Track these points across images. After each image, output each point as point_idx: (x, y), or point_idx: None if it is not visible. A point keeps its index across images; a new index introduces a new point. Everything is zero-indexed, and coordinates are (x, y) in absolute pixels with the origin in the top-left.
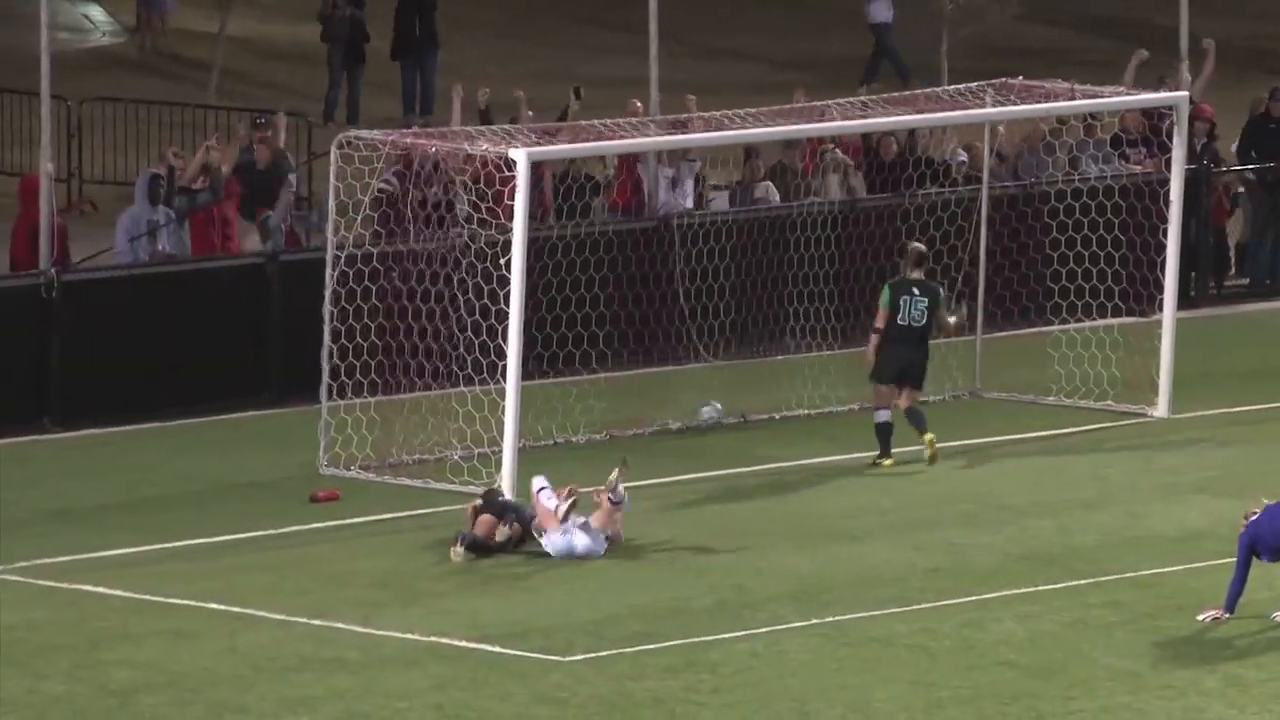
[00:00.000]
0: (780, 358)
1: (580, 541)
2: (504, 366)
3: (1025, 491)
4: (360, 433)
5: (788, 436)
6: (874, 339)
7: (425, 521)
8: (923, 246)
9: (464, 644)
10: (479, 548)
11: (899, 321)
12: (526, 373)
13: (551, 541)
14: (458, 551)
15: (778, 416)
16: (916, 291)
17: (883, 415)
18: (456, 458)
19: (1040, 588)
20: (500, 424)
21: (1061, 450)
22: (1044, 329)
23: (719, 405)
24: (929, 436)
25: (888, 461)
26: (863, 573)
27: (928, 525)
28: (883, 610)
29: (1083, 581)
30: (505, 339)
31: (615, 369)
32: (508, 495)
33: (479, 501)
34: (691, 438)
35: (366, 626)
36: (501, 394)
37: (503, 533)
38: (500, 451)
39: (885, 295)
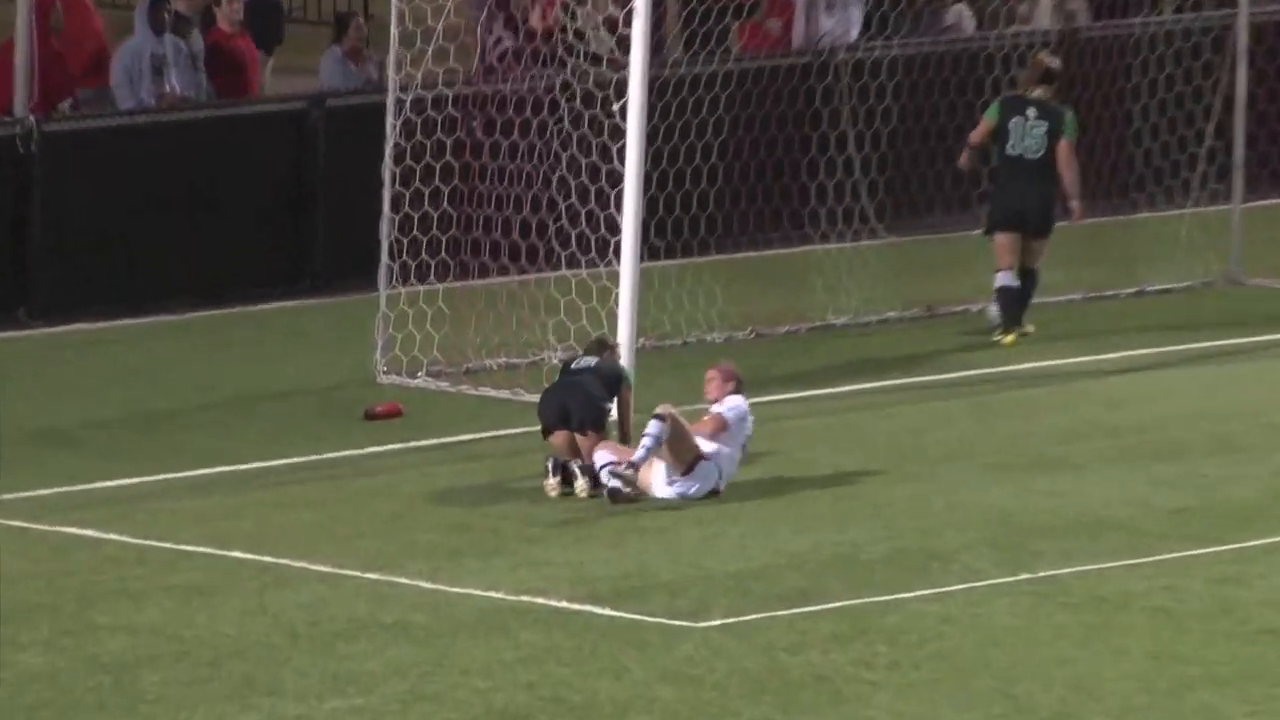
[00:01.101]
0: (976, 232)
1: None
2: (617, 243)
3: None
4: (428, 329)
5: (977, 337)
6: (964, 153)
7: (513, 445)
8: (1055, 61)
9: (564, 605)
10: (592, 477)
11: (1008, 151)
12: (646, 251)
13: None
14: (553, 484)
15: (974, 309)
16: (1033, 114)
17: (1003, 278)
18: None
19: None
20: (612, 317)
21: None
22: None
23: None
24: (1009, 338)
25: (1009, 338)
26: (1084, 513)
27: (1170, 451)
28: (1112, 562)
29: None
30: (619, 208)
31: (760, 247)
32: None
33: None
34: (857, 336)
35: (436, 582)
36: (613, 279)
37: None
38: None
39: (993, 109)
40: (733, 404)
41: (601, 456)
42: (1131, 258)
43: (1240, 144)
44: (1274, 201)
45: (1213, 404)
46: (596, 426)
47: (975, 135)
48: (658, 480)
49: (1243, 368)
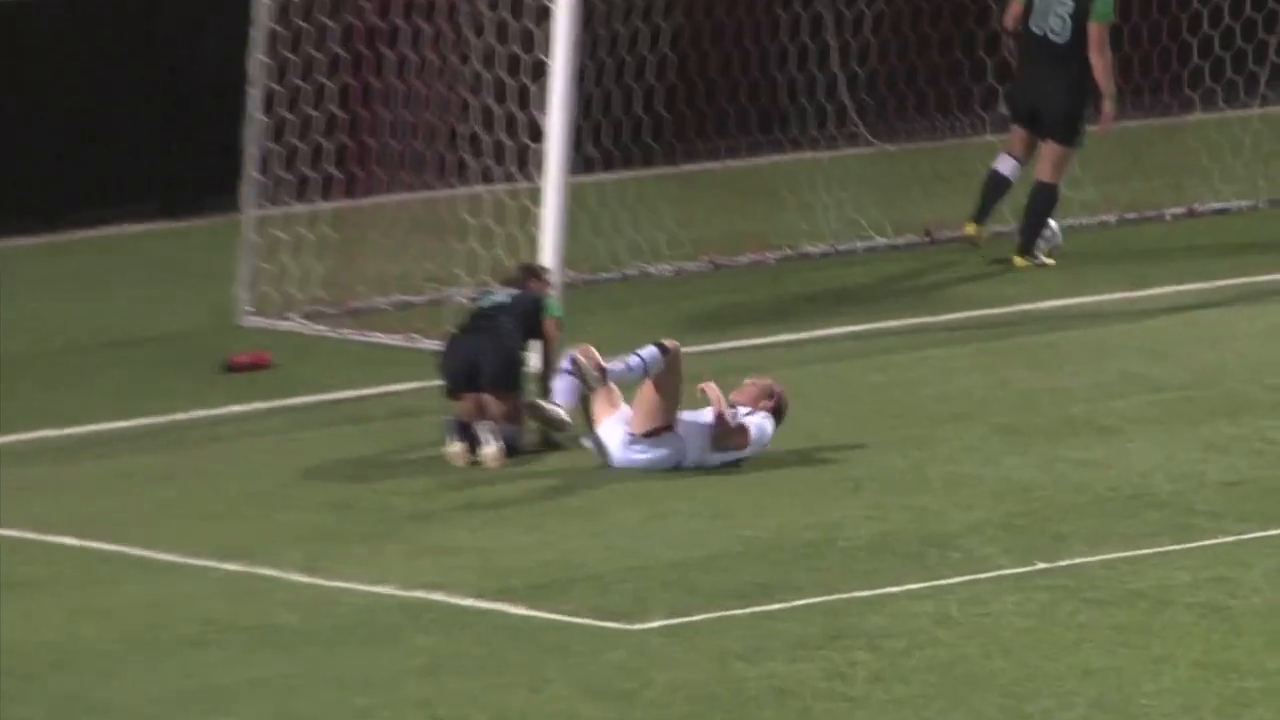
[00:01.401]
0: (990, 136)
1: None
2: (541, 152)
3: None
4: (306, 260)
5: (985, 266)
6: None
7: (408, 403)
8: None
9: (469, 603)
10: (506, 443)
11: (1031, 27)
12: (578, 164)
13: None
14: (456, 452)
15: (986, 234)
16: None
17: (1002, 165)
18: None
19: None
20: (534, 244)
21: None
22: None
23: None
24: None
25: (970, 228)
26: (1119, 487)
27: (1224, 410)
28: (1152, 548)
29: None
30: (544, 108)
31: (719, 157)
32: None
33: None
34: (838, 267)
35: (311, 575)
36: (536, 197)
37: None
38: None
39: None
40: (761, 425)
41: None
42: (1180, 170)
43: None
44: None
45: (1277, 352)
46: (509, 385)
47: (1008, 18)
48: (613, 436)
49: None
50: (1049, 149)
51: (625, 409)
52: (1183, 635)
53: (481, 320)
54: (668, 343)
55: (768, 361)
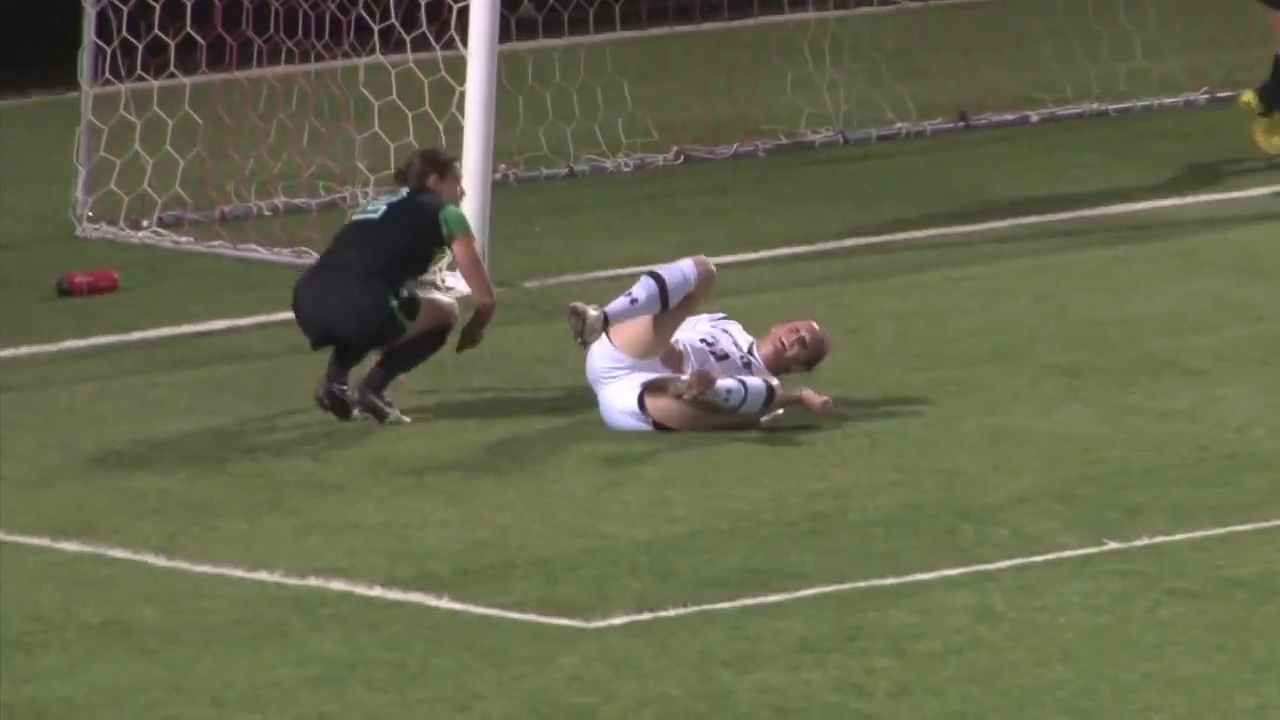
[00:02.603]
0: None
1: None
2: (464, 11)
3: None
4: (164, 150)
5: (1037, 159)
6: None
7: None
8: None
9: (378, 593)
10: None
11: None
12: (510, 26)
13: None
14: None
15: (1035, 117)
16: None
17: None
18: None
19: None
20: (456, 130)
21: None
22: None
23: None
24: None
25: (1262, 131)
26: (1209, 445)
27: None
28: (1253, 524)
29: None
30: None
31: (692, 19)
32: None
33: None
34: (847, 161)
35: (173, 558)
36: (457, 70)
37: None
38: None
39: None
40: (733, 388)
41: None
42: None
43: None
44: None
45: None
46: (380, 343)
47: None
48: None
49: None
50: None
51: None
52: None
53: (339, 253)
54: (698, 261)
55: (755, 283)
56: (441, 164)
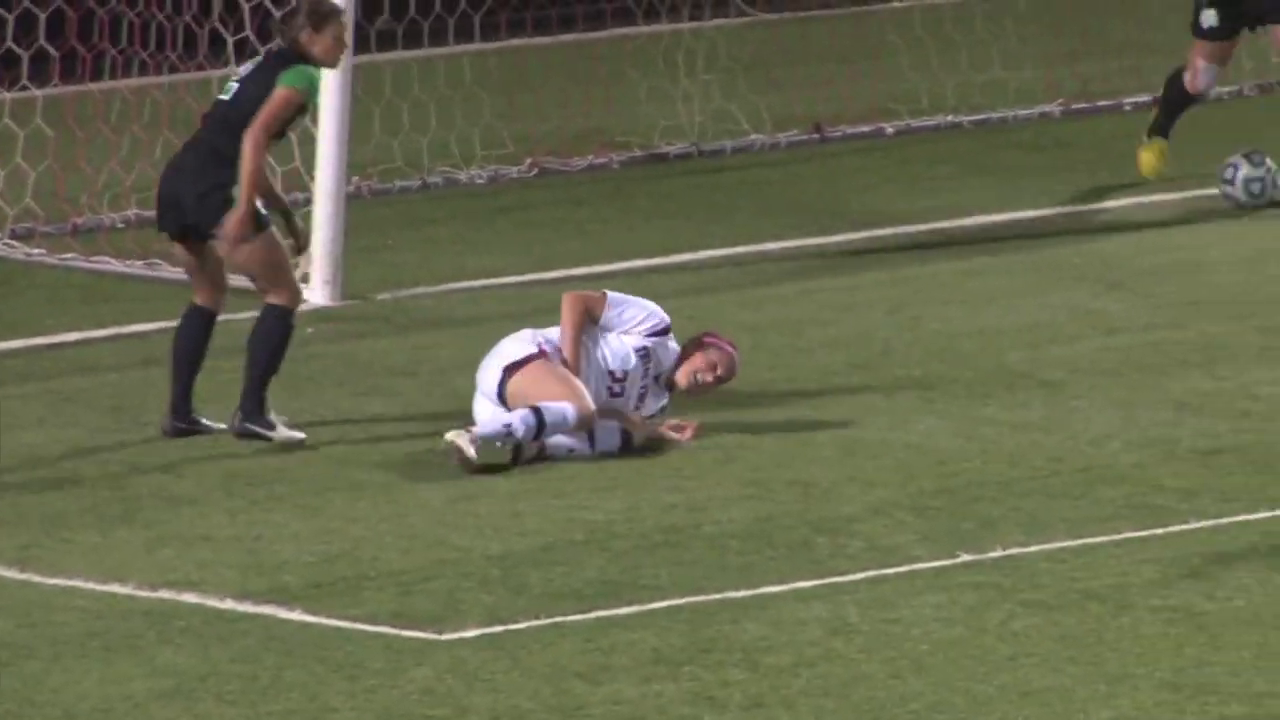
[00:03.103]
0: (896, 2)
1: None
2: None
3: None
4: (12, 165)
5: (893, 171)
6: None
7: (153, 349)
8: None
9: (230, 605)
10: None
11: None
12: (368, 39)
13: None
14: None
15: (890, 129)
16: None
17: (1201, 77)
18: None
19: None
20: (310, 143)
21: None
22: None
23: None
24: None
25: (1149, 153)
26: (1064, 458)
27: (1199, 358)
28: (1108, 536)
29: None
30: None
31: (550, 30)
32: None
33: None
34: (704, 172)
35: (25, 569)
36: None
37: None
38: (308, 201)
39: None
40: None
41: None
42: (1141, 47)
43: None
44: None
45: (1265, 284)
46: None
47: None
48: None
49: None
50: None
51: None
52: (1147, 648)
53: (197, 134)
54: (578, 409)
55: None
56: (319, 15)
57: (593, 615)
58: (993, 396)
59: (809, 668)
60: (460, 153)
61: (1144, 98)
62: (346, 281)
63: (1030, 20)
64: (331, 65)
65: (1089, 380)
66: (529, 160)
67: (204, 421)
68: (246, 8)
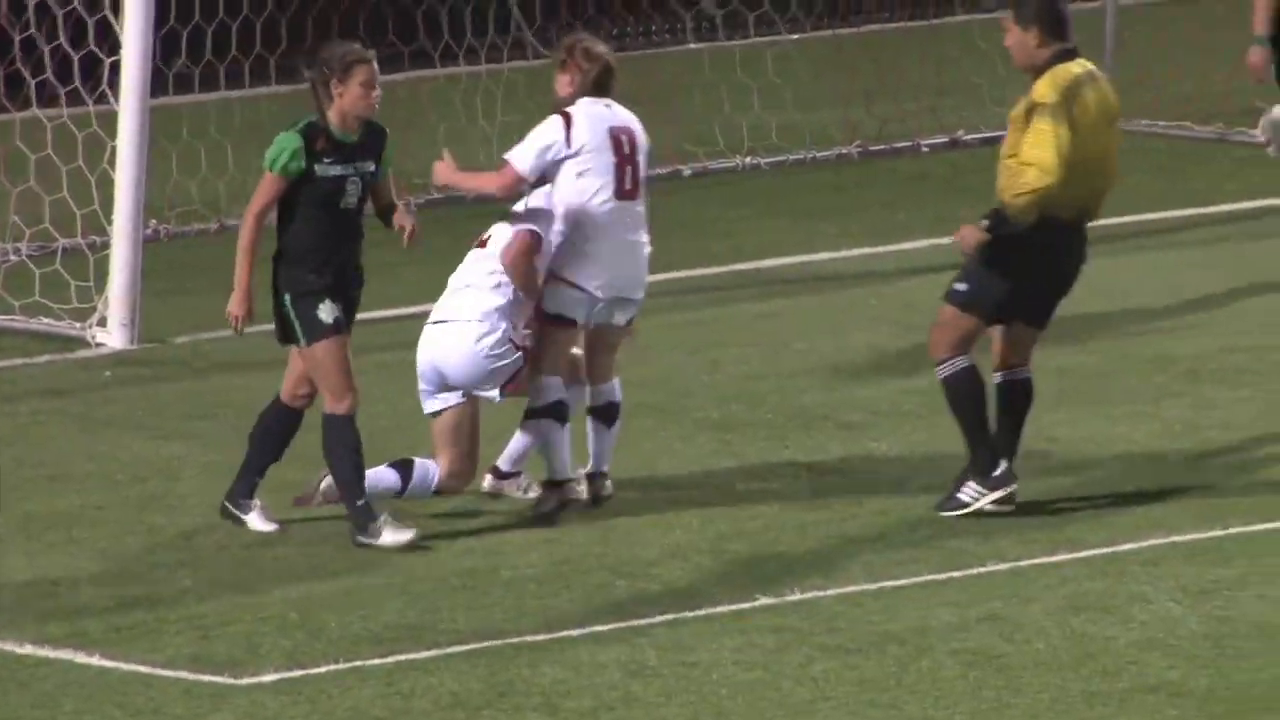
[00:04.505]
0: (693, 44)
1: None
2: (115, 67)
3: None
4: None
5: (690, 212)
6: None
7: None
8: None
9: (29, 651)
10: None
11: None
12: (167, 82)
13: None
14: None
15: (687, 171)
16: None
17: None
18: (18, 257)
19: None
20: (109, 185)
21: None
22: None
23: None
24: None
25: None
26: (864, 500)
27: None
28: (907, 579)
29: None
30: (120, 14)
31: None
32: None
33: None
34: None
35: None
36: (110, 124)
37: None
38: (105, 245)
39: None
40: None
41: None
42: (939, 87)
43: None
44: None
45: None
46: (286, 339)
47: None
48: None
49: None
50: None
51: None
52: (946, 691)
53: None
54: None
55: (406, 339)
56: (332, 66)
57: (391, 659)
58: (791, 439)
59: (608, 711)
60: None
61: (941, 139)
62: (144, 324)
63: (824, 62)
64: (360, 113)
65: (889, 422)
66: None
67: (239, 514)
68: (45, 50)
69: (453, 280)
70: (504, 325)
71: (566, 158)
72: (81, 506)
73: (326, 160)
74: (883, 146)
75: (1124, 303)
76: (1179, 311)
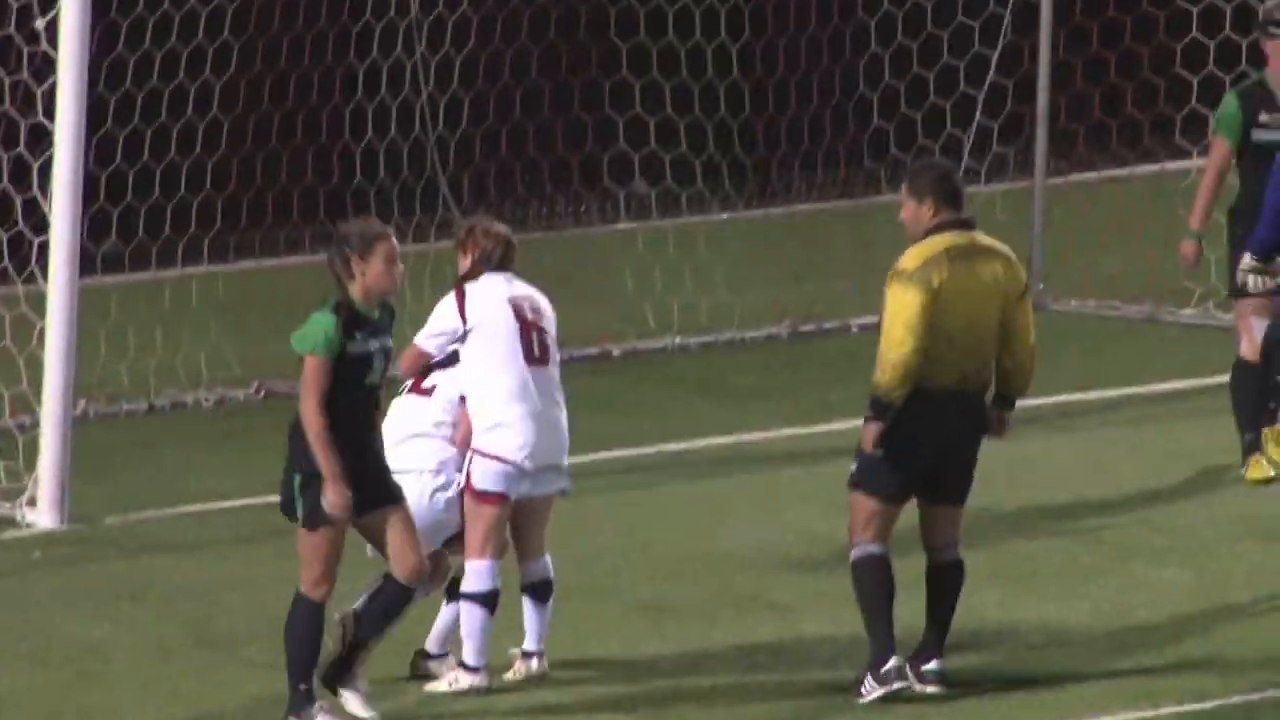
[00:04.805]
0: (623, 225)
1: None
2: (44, 247)
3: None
4: None
5: (620, 393)
6: (1201, 197)
7: None
8: None
9: None
10: None
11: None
12: (89, 265)
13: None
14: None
15: (617, 351)
16: None
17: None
18: None
19: None
20: (37, 366)
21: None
22: None
23: None
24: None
25: (1258, 469)
26: (792, 681)
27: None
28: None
29: None
30: (49, 194)
31: (276, 252)
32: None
33: None
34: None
35: None
36: (38, 304)
37: None
38: (35, 424)
39: (1230, 109)
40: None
41: None
42: (868, 267)
43: None
44: None
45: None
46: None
47: (1212, 163)
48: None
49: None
50: None
51: None
52: None
53: None
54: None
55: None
56: (352, 243)
57: None
58: (721, 620)
59: None
60: (186, 375)
61: (870, 318)
62: (73, 504)
63: (754, 241)
64: (382, 291)
65: (820, 604)
66: (255, 382)
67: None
68: None
69: (395, 427)
70: (456, 478)
71: (466, 333)
72: (11, 687)
73: (358, 337)
74: (812, 326)
75: (1053, 482)
76: (1107, 490)
